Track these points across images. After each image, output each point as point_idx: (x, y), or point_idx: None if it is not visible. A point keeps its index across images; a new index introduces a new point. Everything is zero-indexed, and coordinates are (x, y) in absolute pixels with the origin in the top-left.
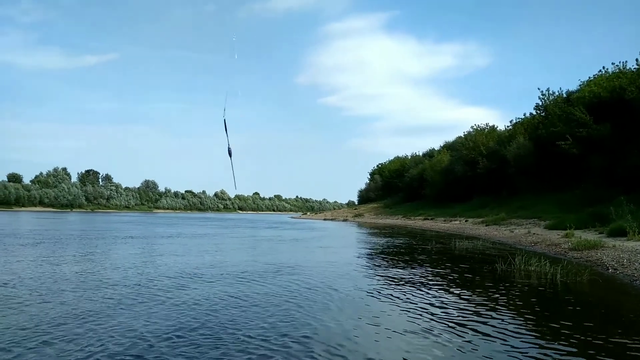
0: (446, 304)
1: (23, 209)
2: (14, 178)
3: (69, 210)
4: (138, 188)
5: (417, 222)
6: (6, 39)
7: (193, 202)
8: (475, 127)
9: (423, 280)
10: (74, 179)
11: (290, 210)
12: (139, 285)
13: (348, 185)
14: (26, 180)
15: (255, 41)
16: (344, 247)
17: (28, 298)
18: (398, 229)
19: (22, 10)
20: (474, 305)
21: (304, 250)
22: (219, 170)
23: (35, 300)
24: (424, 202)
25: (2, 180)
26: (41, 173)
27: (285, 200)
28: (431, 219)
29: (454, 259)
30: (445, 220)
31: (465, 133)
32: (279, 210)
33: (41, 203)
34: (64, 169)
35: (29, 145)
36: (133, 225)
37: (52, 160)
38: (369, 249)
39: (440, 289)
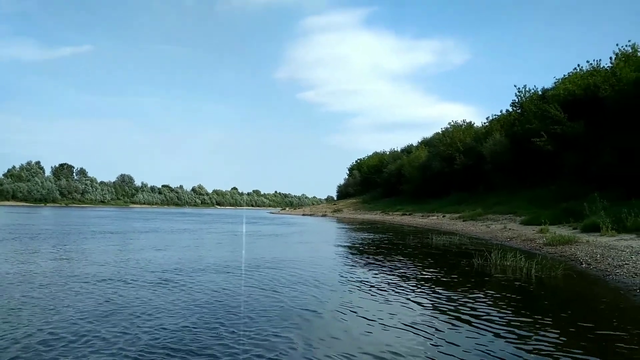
0: (424, 297)
1: None
2: None
3: (42, 204)
4: (114, 182)
5: (396, 218)
6: None
7: (170, 197)
8: (452, 123)
9: (402, 275)
10: (48, 172)
11: (269, 206)
12: (122, 281)
13: (327, 181)
14: None
15: (234, 35)
16: (324, 242)
17: (8, 296)
18: (377, 225)
19: None
20: (451, 299)
21: (284, 245)
22: (196, 164)
23: (15, 298)
24: (402, 197)
25: None
26: (14, 167)
27: (264, 195)
28: (409, 215)
29: (431, 254)
30: (423, 216)
31: (443, 129)
32: (258, 206)
33: (14, 197)
34: (38, 163)
35: (1, 137)
36: (109, 220)
37: (25, 153)
38: (349, 244)
39: (418, 284)
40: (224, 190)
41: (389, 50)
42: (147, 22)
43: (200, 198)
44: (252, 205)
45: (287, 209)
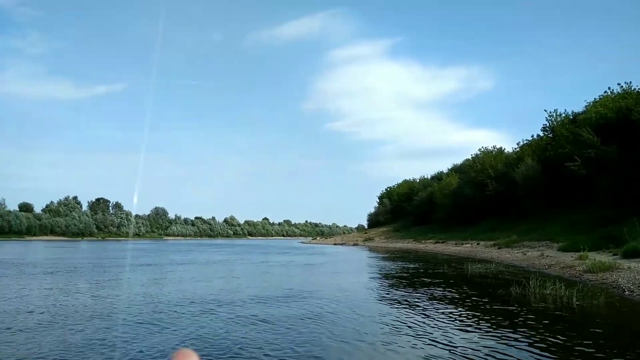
0: (465, 327)
1: (34, 238)
2: (25, 207)
3: (79, 238)
4: (148, 215)
5: (429, 246)
6: (15, 71)
7: (203, 229)
8: (482, 149)
9: (440, 305)
10: (85, 207)
11: (300, 235)
12: (168, 311)
13: (357, 209)
14: (37, 209)
15: (262, 69)
16: (358, 272)
17: (64, 325)
18: (410, 253)
19: (30, 42)
20: (492, 329)
21: (319, 275)
22: (228, 196)
23: (71, 326)
24: (433, 225)
25: (14, 210)
26: (52, 202)
27: (295, 225)
28: (442, 243)
29: (467, 282)
30: (456, 244)
31: (473, 156)
32: (289, 235)
33: (52, 232)
34: (75, 198)
35: (40, 174)
36: (146, 253)
37: (63, 188)
38: (383, 274)
39: (456, 313)
40: (255, 221)
41: (414, 79)
42: (178, 58)
43: (232, 229)
44: (283, 235)
45: (318, 238)
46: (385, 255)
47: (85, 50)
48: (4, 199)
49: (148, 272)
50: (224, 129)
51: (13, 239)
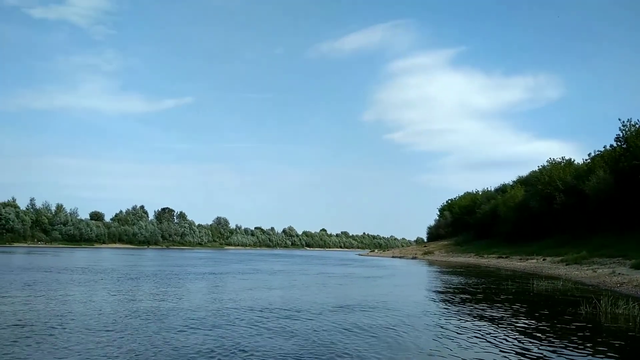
0: (533, 348)
1: (103, 246)
2: (96, 216)
3: (145, 246)
4: (210, 225)
5: (491, 261)
6: (92, 86)
7: (262, 239)
8: (550, 160)
9: (502, 323)
10: (151, 216)
11: (358, 247)
12: (248, 319)
13: (416, 222)
14: (107, 218)
15: (323, 81)
16: (418, 286)
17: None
18: (472, 268)
19: (106, 59)
20: (560, 350)
21: (380, 288)
22: (287, 206)
23: (164, 328)
24: (496, 239)
25: (85, 219)
26: (121, 211)
27: (352, 236)
28: (506, 258)
29: (533, 300)
30: (521, 259)
31: (540, 167)
32: (346, 247)
33: (120, 240)
34: (142, 207)
35: (111, 184)
36: (211, 261)
37: (132, 198)
38: (444, 289)
39: (521, 332)
40: (313, 232)
41: (477, 89)
42: (241, 71)
43: (290, 239)
44: (341, 247)
45: (375, 250)
46: (446, 270)
47: (155, 66)
48: (77, 208)
49: (218, 280)
50: (284, 139)
51: (83, 246)
